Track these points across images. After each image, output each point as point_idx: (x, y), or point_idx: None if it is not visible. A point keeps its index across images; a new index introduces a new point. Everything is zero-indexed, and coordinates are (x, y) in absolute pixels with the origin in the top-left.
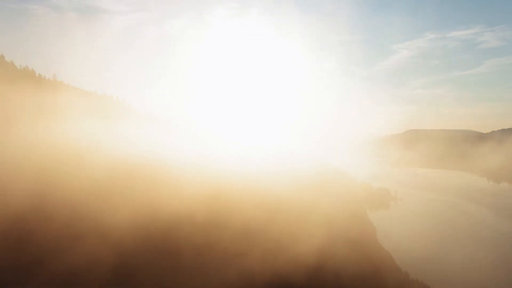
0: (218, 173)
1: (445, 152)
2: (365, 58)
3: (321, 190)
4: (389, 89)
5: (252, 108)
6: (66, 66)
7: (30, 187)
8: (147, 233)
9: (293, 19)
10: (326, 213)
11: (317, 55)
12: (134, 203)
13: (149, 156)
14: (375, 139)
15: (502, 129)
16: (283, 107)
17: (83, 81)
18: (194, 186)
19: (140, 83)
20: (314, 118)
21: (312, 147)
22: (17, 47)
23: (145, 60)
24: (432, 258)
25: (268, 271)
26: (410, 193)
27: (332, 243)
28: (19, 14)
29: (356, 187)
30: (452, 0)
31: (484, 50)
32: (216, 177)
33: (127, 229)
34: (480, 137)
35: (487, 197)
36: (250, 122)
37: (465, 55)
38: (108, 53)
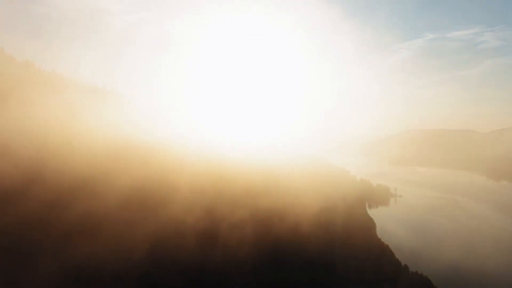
0: (216, 158)
1: (444, 151)
2: (365, 58)
3: (321, 186)
4: (389, 89)
5: (252, 108)
6: (66, 65)
7: (31, 160)
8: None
9: (293, 19)
10: (326, 210)
11: (316, 54)
12: (131, 173)
13: (148, 139)
14: (375, 138)
15: (502, 129)
16: (283, 106)
17: (83, 79)
18: (193, 164)
19: (140, 82)
20: (314, 118)
21: (312, 145)
22: (18, 47)
23: (145, 59)
24: (431, 252)
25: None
26: (409, 191)
27: (330, 238)
28: (20, 14)
29: (356, 184)
30: (452, 0)
31: (484, 50)
32: (214, 160)
33: (123, 192)
34: (479, 137)
35: (486, 195)
36: (250, 121)
37: (465, 55)
38: (108, 53)
